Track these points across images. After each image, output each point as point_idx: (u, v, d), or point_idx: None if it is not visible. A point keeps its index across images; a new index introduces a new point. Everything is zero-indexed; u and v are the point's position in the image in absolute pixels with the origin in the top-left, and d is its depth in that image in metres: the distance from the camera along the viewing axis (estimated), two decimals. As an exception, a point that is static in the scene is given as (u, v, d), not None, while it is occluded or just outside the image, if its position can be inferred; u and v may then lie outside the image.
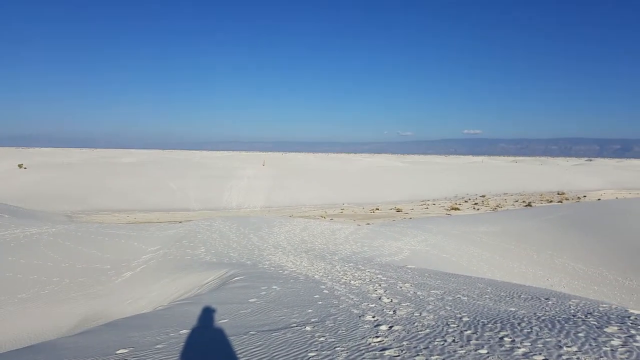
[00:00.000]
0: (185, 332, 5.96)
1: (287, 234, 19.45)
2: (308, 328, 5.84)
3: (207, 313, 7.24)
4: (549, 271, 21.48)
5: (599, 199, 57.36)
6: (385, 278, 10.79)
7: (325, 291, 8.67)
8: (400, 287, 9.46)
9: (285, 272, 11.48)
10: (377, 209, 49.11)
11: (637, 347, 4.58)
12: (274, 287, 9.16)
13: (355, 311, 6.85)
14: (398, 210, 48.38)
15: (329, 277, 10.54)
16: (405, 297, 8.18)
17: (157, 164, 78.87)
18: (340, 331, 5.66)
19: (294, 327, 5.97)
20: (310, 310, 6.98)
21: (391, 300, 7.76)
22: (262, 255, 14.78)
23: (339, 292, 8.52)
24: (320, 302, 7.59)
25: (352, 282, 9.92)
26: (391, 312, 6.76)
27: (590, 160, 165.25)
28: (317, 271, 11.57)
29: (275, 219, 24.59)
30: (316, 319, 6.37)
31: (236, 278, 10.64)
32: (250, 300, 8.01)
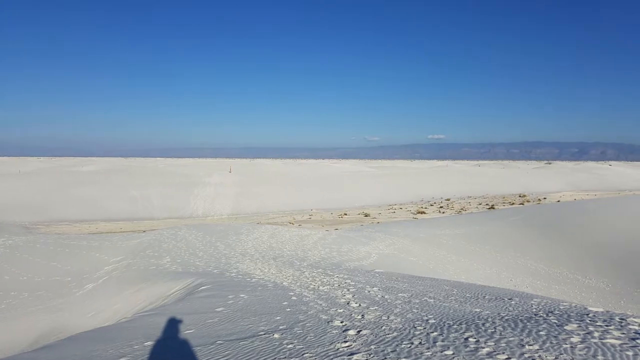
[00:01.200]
0: (150, 343, 5.81)
1: (254, 241, 19.28)
2: (276, 335, 5.80)
3: (173, 324, 7.08)
4: (513, 272, 22.02)
5: (558, 201, 59.41)
6: (353, 283, 10.83)
7: (293, 298, 8.63)
8: (369, 292, 9.51)
9: (253, 279, 11.37)
10: (346, 214, 49.36)
11: (594, 343, 4.75)
12: (242, 295, 9.05)
13: (324, 317, 6.84)
14: (366, 215, 48.76)
15: (298, 284, 10.50)
16: (374, 301, 8.24)
17: (119, 172, 76.85)
18: (308, 337, 5.64)
19: (262, 335, 5.92)
20: (278, 318, 6.93)
21: (359, 305, 7.79)
22: (230, 264, 14.59)
23: (308, 299, 8.50)
24: (288, 309, 7.55)
25: (320, 287, 9.92)
26: (359, 317, 6.79)
27: (550, 163, 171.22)
28: (286, 278, 11.51)
29: (242, 226, 24.33)
30: (284, 326, 6.33)
31: (203, 287, 10.46)
32: (217, 310, 7.89)
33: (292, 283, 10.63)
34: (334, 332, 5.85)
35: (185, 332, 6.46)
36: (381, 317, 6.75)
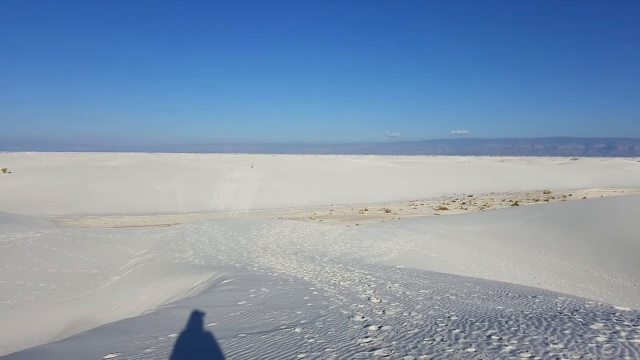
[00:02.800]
0: (174, 335, 5.92)
1: (275, 236, 19.41)
2: (298, 330, 5.84)
3: (196, 316, 7.20)
4: (536, 269, 21.68)
5: (584, 198, 58.13)
6: (374, 278, 10.82)
7: (314, 292, 8.67)
8: (390, 287, 9.49)
9: (275, 274, 11.46)
10: (366, 210, 49.24)
11: (621, 342, 4.65)
12: (263, 289, 9.14)
13: (345, 312, 6.86)
14: (387, 211, 48.54)
15: (319, 279, 10.54)
16: (395, 297, 8.22)
17: (144, 167, 78.21)
18: (329, 332, 5.66)
19: (284, 329, 5.97)
20: (299, 312, 6.97)
21: (380, 301, 7.78)
22: (251, 258, 14.73)
23: (329, 294, 8.53)
24: (309, 304, 7.59)
25: (341, 283, 9.94)
26: (380, 313, 6.78)
27: (576, 159, 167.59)
28: (307, 273, 11.57)
29: (263, 221, 24.51)
30: (305, 321, 6.37)
31: (225, 281, 10.59)
32: (240, 303, 7.98)
33: (313, 278, 10.68)
34: (355, 327, 5.87)
35: (208, 325, 6.56)
36: (402, 313, 6.73)
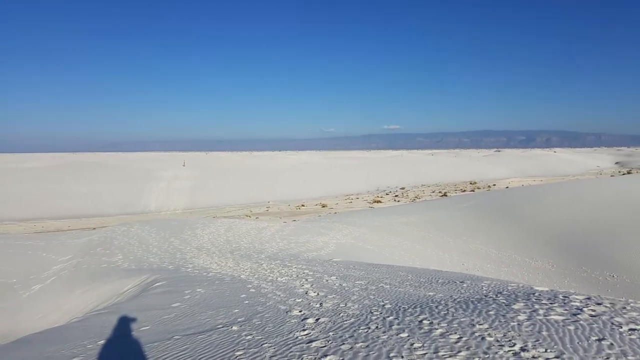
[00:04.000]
0: (104, 342, 5.66)
1: (210, 235, 19.01)
2: (235, 328, 5.78)
3: (127, 321, 6.92)
4: (464, 256, 22.79)
5: (507, 187, 61.87)
6: (311, 273, 10.91)
7: (252, 290, 8.60)
8: (327, 281, 9.61)
9: (210, 274, 11.23)
10: (303, 206, 49.48)
11: (539, 319, 5.02)
12: (199, 290, 8.94)
13: (283, 307, 6.87)
14: (323, 206, 49.06)
15: (256, 276, 10.47)
16: (331, 290, 8.34)
17: (65, 168, 73.57)
18: (267, 328, 5.65)
19: (221, 328, 5.88)
20: (236, 310, 6.90)
21: (317, 294, 7.87)
22: (185, 259, 14.34)
23: (266, 290, 8.50)
24: (247, 302, 7.52)
25: (279, 279, 9.93)
26: (317, 305, 6.86)
27: (499, 151, 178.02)
28: (244, 271, 11.45)
29: (197, 221, 23.91)
30: (243, 318, 6.31)
31: (158, 284, 10.25)
32: (174, 305, 7.76)
33: (250, 275, 10.58)
34: (293, 321, 5.89)
35: (141, 329, 6.33)
36: (339, 304, 6.85)
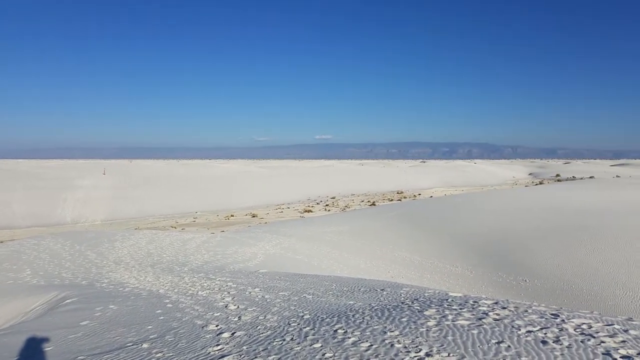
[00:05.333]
0: (-3, 368, 5.17)
1: (130, 248, 18.10)
2: (145, 345, 5.51)
3: (31, 342, 6.40)
4: (390, 264, 23.38)
5: (431, 196, 64.57)
6: (235, 285, 10.69)
7: (168, 305, 8.26)
8: (250, 293, 9.46)
9: (127, 289, 10.67)
10: (232, 216, 48.59)
11: (447, 325, 5.22)
12: (111, 306, 8.45)
13: (199, 322, 6.65)
14: (253, 216, 48.49)
15: (175, 290, 10.08)
16: (253, 302, 8.21)
17: (-28, 177, 67.31)
18: (180, 344, 5.44)
19: (130, 346, 5.58)
20: (149, 327, 6.59)
21: (237, 307, 7.71)
22: (101, 274, 13.53)
23: (184, 305, 8.20)
24: (162, 317, 7.21)
25: (199, 292, 9.63)
26: (236, 319, 6.71)
27: (424, 162, 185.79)
28: (163, 285, 10.99)
29: (117, 233, 22.69)
30: (155, 335, 6.04)
31: (68, 300, 9.57)
32: (82, 323, 7.27)
33: (169, 290, 10.18)
34: (208, 336, 5.72)
35: (45, 349, 5.89)
36: (258, 317, 6.75)
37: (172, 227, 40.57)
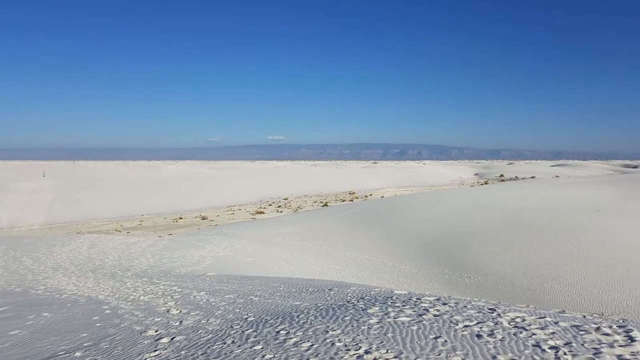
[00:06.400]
0: None
1: (70, 253, 17.24)
2: (78, 354, 5.24)
3: (-49, 358, 5.93)
4: (342, 264, 23.51)
5: (382, 197, 65.64)
6: (179, 289, 10.41)
7: (107, 311, 7.92)
8: (194, 297, 9.23)
9: (64, 296, 10.15)
10: (181, 218, 47.42)
11: (388, 322, 5.29)
12: (45, 314, 8.00)
13: (138, 328, 6.41)
14: (203, 218, 47.52)
15: (116, 296, 9.68)
16: (197, 306, 8.01)
17: None
18: (115, 352, 5.21)
19: (62, 355, 5.30)
20: (84, 334, 6.28)
21: (180, 311, 7.49)
22: (37, 280, 12.81)
23: (123, 310, 7.88)
24: (98, 324, 6.90)
25: (141, 297, 9.30)
26: (177, 324, 6.52)
27: (376, 163, 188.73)
28: (103, 291, 10.53)
29: (56, 237, 21.57)
30: (90, 343, 5.76)
31: (-2, 310, 8.98)
32: (11, 333, 6.84)
33: (110, 296, 9.77)
34: (146, 342, 5.51)
35: (-34, 364, 5.47)
36: (200, 321, 6.58)
37: (116, 230, 39.07)
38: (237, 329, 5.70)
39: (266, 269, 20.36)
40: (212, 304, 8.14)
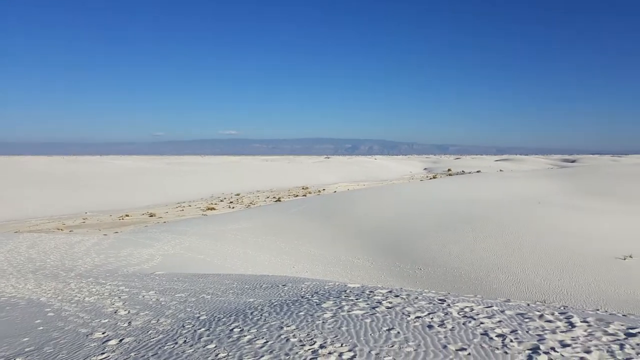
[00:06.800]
0: None
1: (8, 253, 16.25)
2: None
3: None
4: (295, 259, 23.53)
5: (335, 191, 66.13)
6: (127, 289, 10.06)
7: (50, 314, 7.53)
8: (143, 296, 8.95)
9: (1, 299, 9.57)
10: (127, 216, 45.82)
11: (342, 315, 5.33)
12: (-20, 319, 7.51)
13: (83, 330, 6.14)
14: (151, 215, 46.15)
15: (59, 298, 9.23)
16: (146, 306, 7.76)
17: None
18: (60, 356, 4.97)
19: (0, 363, 4.99)
20: (26, 339, 5.94)
21: (128, 312, 7.24)
22: (-29, 283, 12.00)
23: (67, 313, 7.52)
24: (41, 328, 6.55)
25: (86, 299, 8.91)
26: (125, 325, 6.30)
27: (328, 158, 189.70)
28: (45, 292, 10.01)
29: (-8, 237, 20.34)
30: (32, 348, 5.46)
31: None
32: (-58, 342, 6.37)
33: (52, 297, 9.30)
34: (92, 345, 5.29)
35: None
36: (150, 321, 6.39)
37: (58, 229, 37.24)
38: (189, 328, 5.57)
39: (218, 266, 20.06)
40: (162, 303, 7.92)
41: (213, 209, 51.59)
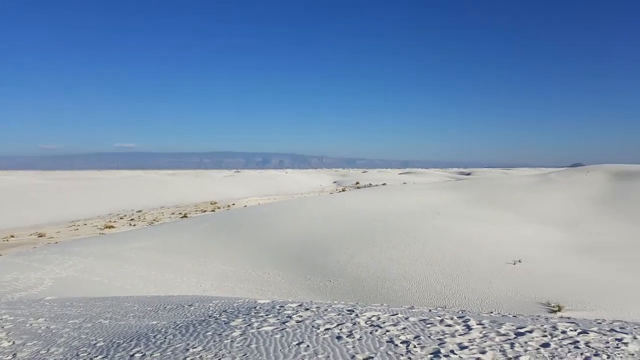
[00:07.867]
0: None
1: None
2: None
3: None
4: (202, 277, 22.75)
5: (245, 206, 65.19)
6: (12, 317, 9.04)
7: None
8: (31, 325, 8.09)
9: None
10: (12, 237, 41.46)
11: (252, 333, 5.23)
12: None
13: (-46, 369, 5.39)
14: (40, 235, 42.18)
15: None
16: (35, 335, 7.02)
17: None
18: None
19: None
20: None
21: (13, 343, 6.50)
22: None
23: None
24: None
25: (-40, 332, 7.85)
26: (10, 358, 5.64)
27: (238, 172, 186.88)
28: None
29: None
30: None
31: None
32: None
33: None
34: (-35, 386, 4.65)
35: None
36: (39, 351, 5.79)
37: None
38: (84, 356, 5.13)
39: (118, 288, 18.82)
40: (54, 331, 7.22)
41: (112, 227, 48.42)
